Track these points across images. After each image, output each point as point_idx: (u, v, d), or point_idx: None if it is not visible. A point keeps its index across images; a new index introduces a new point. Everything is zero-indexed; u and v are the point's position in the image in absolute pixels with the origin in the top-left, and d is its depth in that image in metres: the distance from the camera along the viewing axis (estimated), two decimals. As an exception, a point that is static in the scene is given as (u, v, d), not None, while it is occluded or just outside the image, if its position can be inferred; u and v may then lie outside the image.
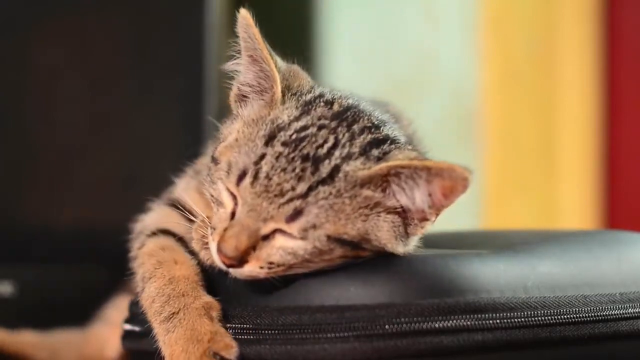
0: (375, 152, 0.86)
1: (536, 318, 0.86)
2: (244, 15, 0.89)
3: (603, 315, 0.90)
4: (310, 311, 0.84)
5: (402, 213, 0.86)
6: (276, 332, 0.85)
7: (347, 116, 0.89)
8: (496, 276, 0.87)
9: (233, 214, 0.85)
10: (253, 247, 0.84)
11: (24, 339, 1.28)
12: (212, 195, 0.89)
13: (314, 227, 0.83)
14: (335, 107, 0.90)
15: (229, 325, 0.87)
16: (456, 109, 2.20)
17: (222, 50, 1.72)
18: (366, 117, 0.90)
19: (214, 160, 0.90)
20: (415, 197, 0.85)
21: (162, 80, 1.52)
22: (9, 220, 1.55)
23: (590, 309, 0.89)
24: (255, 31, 0.89)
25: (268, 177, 0.83)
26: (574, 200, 2.32)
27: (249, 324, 0.86)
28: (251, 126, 0.89)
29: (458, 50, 2.20)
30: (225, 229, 0.85)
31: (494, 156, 2.20)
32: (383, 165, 0.84)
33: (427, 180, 0.84)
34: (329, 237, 0.83)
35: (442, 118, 2.18)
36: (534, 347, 0.86)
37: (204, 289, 0.90)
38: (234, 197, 0.86)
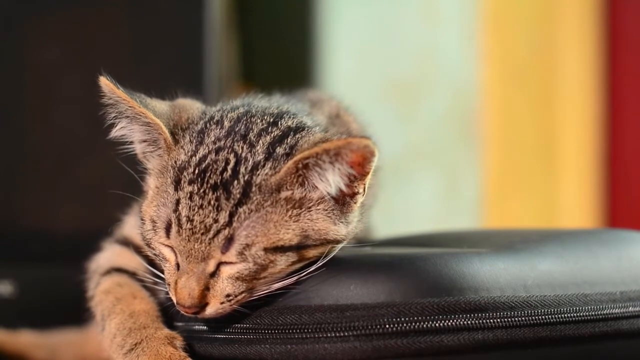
0: (280, 150, 0.85)
1: (536, 317, 0.86)
2: (105, 83, 0.88)
3: (603, 314, 0.89)
4: (310, 311, 0.84)
5: (330, 198, 0.86)
6: (276, 331, 0.85)
7: (239, 128, 0.88)
8: (496, 275, 0.87)
9: (178, 265, 0.85)
10: (207, 288, 0.84)
11: (24, 338, 1.28)
12: (155, 255, 0.88)
13: (248, 246, 0.83)
14: (226, 123, 0.89)
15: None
16: (456, 108, 2.19)
17: (222, 50, 1.72)
18: (259, 119, 0.89)
19: (141, 220, 0.89)
20: (330, 180, 0.84)
21: (162, 80, 1.52)
22: (9, 220, 1.55)
23: (591, 308, 0.89)
24: (120, 92, 0.88)
25: (190, 220, 0.83)
26: (575, 199, 2.31)
27: (249, 324, 0.86)
28: (160, 177, 0.88)
29: (458, 50, 2.20)
30: (177, 282, 0.85)
31: (494, 156, 2.19)
32: (289, 163, 0.84)
33: (332, 162, 0.83)
34: (266, 250, 0.83)
35: (442, 117, 2.18)
36: (535, 346, 0.86)
37: (165, 324, 0.90)
38: (172, 249, 0.86)
